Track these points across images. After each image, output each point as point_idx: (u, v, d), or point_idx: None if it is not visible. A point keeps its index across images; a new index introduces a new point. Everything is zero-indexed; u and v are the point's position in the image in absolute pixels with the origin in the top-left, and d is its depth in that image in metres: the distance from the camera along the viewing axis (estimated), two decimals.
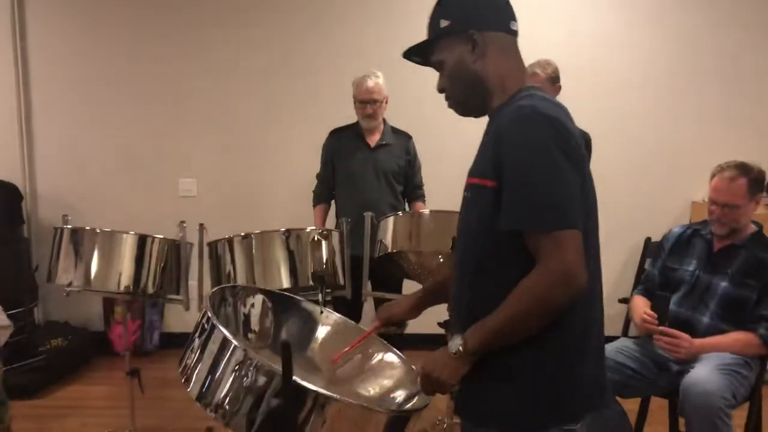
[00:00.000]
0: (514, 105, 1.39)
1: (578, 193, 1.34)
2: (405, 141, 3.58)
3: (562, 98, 3.15)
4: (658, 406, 2.87)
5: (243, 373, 1.43)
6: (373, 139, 3.51)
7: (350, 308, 3.10)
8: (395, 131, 3.58)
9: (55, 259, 2.87)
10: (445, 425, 3.11)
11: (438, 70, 1.54)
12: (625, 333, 3.11)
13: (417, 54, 1.56)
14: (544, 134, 1.32)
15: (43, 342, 4.18)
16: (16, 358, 3.87)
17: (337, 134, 3.59)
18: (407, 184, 3.59)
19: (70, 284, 2.83)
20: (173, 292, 2.96)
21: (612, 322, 3.80)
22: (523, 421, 1.38)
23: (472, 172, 1.45)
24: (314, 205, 3.65)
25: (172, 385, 3.76)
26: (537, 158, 1.31)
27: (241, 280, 2.68)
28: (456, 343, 1.38)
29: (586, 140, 3.20)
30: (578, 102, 3.79)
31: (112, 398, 3.82)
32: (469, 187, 1.46)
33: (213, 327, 1.49)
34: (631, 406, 2.71)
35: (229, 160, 4.60)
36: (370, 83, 3.39)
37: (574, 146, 1.35)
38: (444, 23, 1.48)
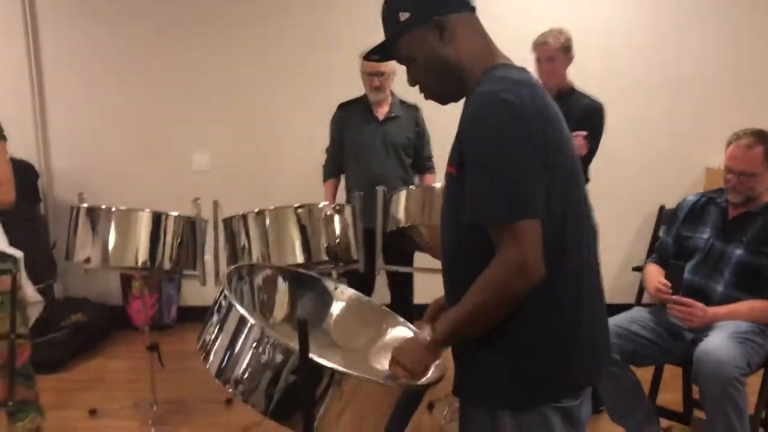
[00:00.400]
0: (477, 91, 1.34)
1: (539, 179, 1.28)
2: (413, 113, 3.56)
3: (574, 64, 3.18)
4: (672, 374, 2.89)
5: (260, 350, 1.45)
6: (381, 112, 3.49)
7: (363, 282, 3.13)
8: (403, 104, 3.55)
9: (72, 238, 2.91)
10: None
11: (406, 65, 1.46)
12: (638, 301, 3.12)
13: (378, 52, 1.48)
14: (499, 122, 1.27)
15: (63, 318, 4.24)
16: (38, 333, 3.94)
17: (345, 108, 3.57)
18: (416, 156, 3.58)
19: (87, 261, 2.88)
20: (190, 267, 3.00)
21: (626, 290, 3.86)
22: (513, 401, 1.37)
23: (448, 159, 1.42)
24: (324, 180, 3.65)
25: (192, 358, 3.82)
26: (491, 148, 1.27)
27: (255, 255, 2.71)
28: (425, 333, 1.39)
29: (597, 110, 3.16)
30: (590, 69, 3.80)
31: (133, 372, 3.90)
32: (446, 174, 1.43)
33: (230, 305, 1.51)
34: (644, 374, 2.73)
35: (241, 134, 4.61)
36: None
37: (536, 128, 1.28)
38: (403, 16, 1.39)
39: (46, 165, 4.67)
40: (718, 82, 4.35)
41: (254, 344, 1.46)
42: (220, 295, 1.58)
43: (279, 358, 1.43)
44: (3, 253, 2.83)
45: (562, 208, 1.33)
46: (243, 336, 1.48)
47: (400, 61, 1.47)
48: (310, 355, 1.38)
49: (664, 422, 2.85)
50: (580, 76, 3.28)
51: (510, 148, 1.27)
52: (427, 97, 1.49)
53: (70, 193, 4.11)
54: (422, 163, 3.60)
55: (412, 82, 1.48)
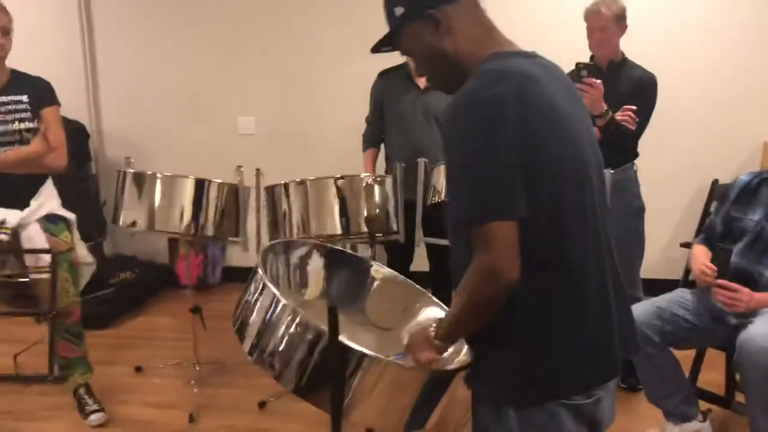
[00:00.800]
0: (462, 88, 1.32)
1: (514, 179, 1.23)
2: None
3: (631, 39, 3.06)
4: (715, 353, 2.82)
5: (292, 330, 1.48)
6: (423, 81, 3.38)
7: (402, 253, 3.13)
8: None
9: (119, 202, 2.97)
10: None
11: (411, 57, 1.49)
12: (684, 280, 3.05)
13: (386, 45, 1.49)
14: (471, 122, 1.25)
15: (111, 275, 4.38)
16: (87, 290, 4.06)
17: (385, 76, 3.51)
18: None
19: (133, 224, 2.95)
20: (232, 234, 3.04)
21: (672, 266, 3.77)
22: (516, 398, 1.35)
23: None
24: (364, 150, 3.60)
25: None
26: (462, 149, 1.26)
27: (296, 224, 2.74)
28: (433, 329, 1.42)
29: (649, 81, 3.03)
30: (645, 38, 3.65)
31: (178, 330, 3.99)
32: None
33: (264, 285, 1.54)
34: (686, 353, 2.68)
35: (286, 98, 4.62)
36: None
37: (513, 126, 1.23)
38: (399, 11, 1.40)
39: (97, 126, 4.78)
40: None
41: (286, 324, 1.49)
42: (254, 273, 1.61)
43: (309, 338, 1.46)
44: (56, 215, 2.92)
45: (554, 203, 1.28)
46: (275, 315, 1.51)
47: (404, 54, 1.49)
48: (341, 337, 1.40)
49: (704, 405, 2.79)
50: (631, 46, 3.16)
51: (480, 148, 1.24)
52: (434, 88, 1.49)
53: (120, 153, 4.20)
54: None
55: (419, 73, 1.51)
